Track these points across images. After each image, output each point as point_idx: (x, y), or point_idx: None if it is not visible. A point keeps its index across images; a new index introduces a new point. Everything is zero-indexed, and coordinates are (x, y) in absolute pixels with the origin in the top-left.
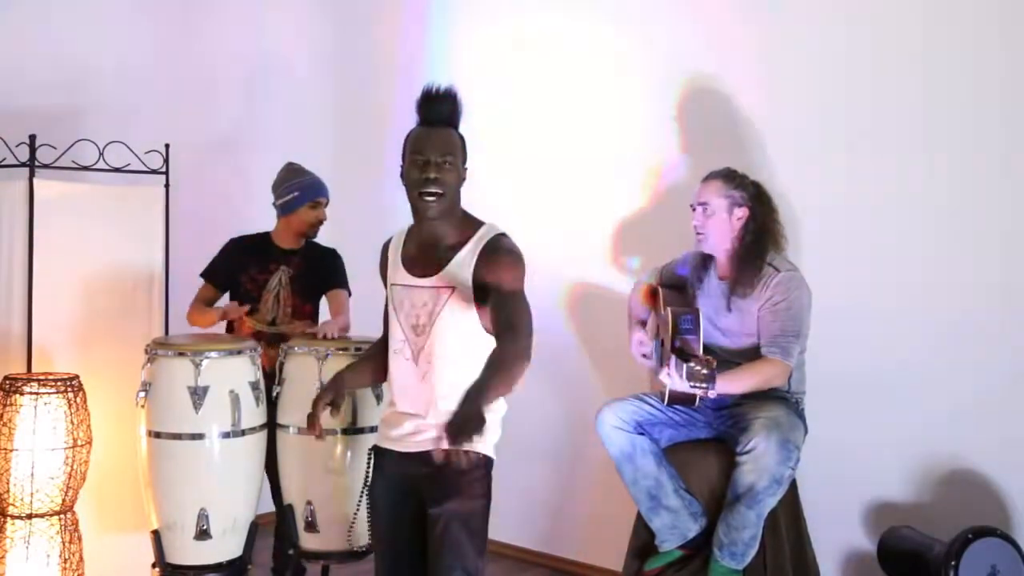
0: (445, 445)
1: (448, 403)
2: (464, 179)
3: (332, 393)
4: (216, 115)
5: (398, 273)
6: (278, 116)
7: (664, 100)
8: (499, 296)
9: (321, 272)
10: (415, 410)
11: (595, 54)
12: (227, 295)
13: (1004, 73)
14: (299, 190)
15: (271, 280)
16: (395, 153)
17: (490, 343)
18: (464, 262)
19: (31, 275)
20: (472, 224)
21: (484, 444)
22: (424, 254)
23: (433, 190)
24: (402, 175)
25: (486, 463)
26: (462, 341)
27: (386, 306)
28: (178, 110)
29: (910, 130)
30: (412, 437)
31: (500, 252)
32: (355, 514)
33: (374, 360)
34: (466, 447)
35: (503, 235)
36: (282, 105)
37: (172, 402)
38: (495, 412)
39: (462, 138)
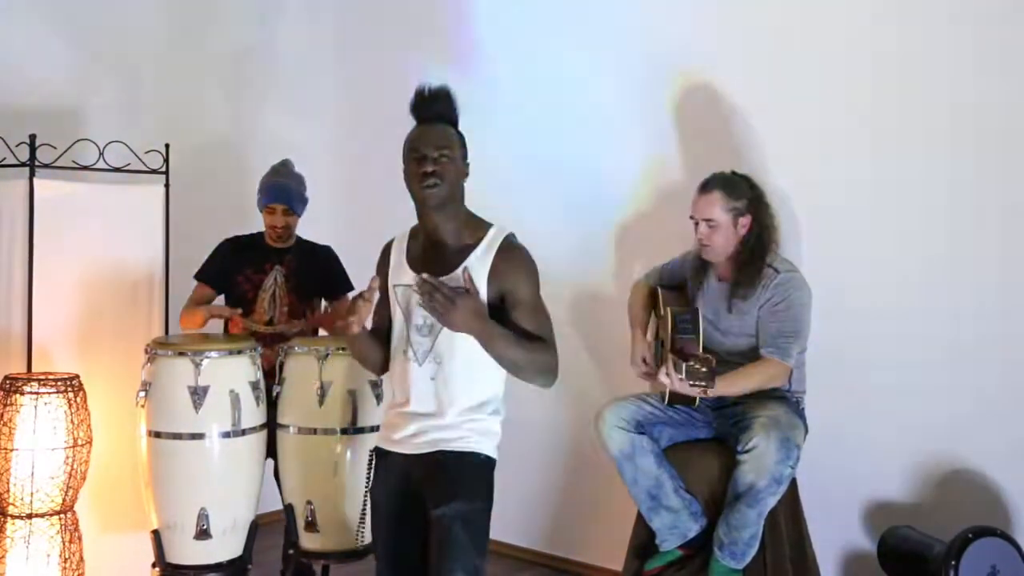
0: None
1: (465, 402)
2: (466, 175)
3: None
4: (216, 115)
5: (402, 274)
6: (278, 115)
7: (664, 99)
8: (524, 304)
9: (317, 271)
10: (424, 410)
11: (594, 53)
12: (221, 297)
13: (1004, 72)
14: (260, 192)
15: (266, 280)
16: (397, 152)
17: None
18: (479, 262)
19: (31, 275)
20: (480, 225)
21: (487, 445)
22: (432, 255)
23: (431, 181)
24: (404, 175)
25: (489, 464)
26: (472, 341)
27: (381, 303)
28: (178, 110)
29: (910, 129)
30: (415, 439)
31: (518, 255)
32: (362, 515)
33: (377, 349)
34: (472, 448)
35: (513, 235)
36: (282, 104)
37: (172, 402)
38: (497, 415)
39: (460, 135)
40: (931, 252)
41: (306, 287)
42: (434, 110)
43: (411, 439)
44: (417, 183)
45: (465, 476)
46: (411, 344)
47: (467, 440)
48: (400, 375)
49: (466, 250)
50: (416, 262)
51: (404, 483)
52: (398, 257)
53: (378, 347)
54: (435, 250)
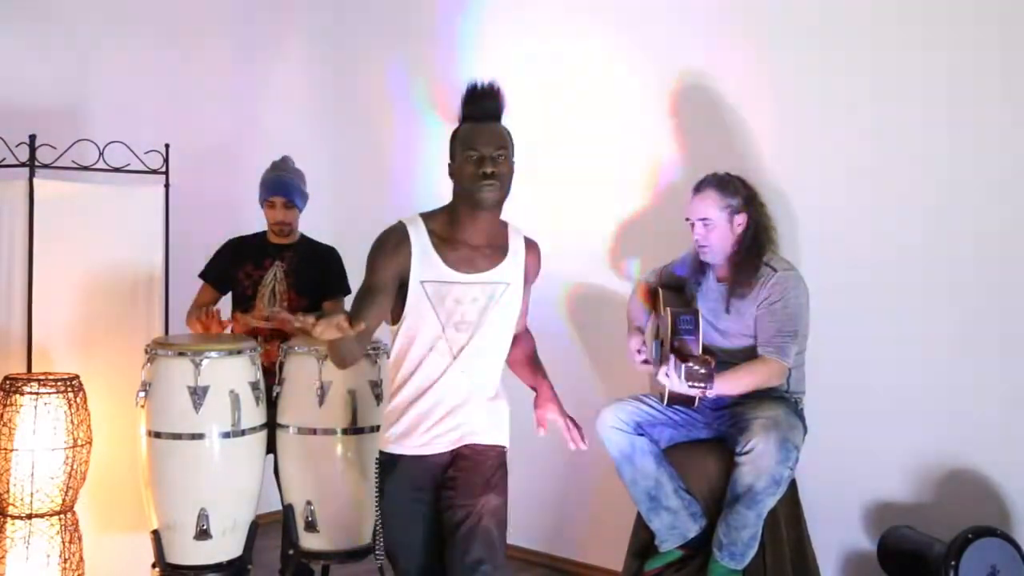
0: (551, 415)
1: (486, 392)
2: (514, 171)
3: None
4: (216, 115)
5: (433, 269)
6: (278, 116)
7: (662, 99)
8: (527, 289)
9: (317, 271)
10: (452, 404)
11: (593, 54)
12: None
13: (1004, 72)
14: (260, 188)
15: (266, 275)
16: (395, 153)
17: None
18: (517, 257)
19: (31, 275)
20: (502, 221)
21: (504, 436)
22: (470, 251)
23: (491, 183)
24: (451, 172)
25: (506, 454)
26: (504, 333)
27: (372, 297)
28: (178, 110)
29: (910, 129)
30: (441, 439)
31: (538, 252)
32: (376, 523)
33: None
34: (495, 440)
35: None
36: (282, 105)
37: (172, 402)
38: (506, 405)
39: (509, 131)
40: (931, 252)
41: (305, 284)
42: (488, 108)
43: (437, 440)
44: (475, 183)
45: (493, 470)
46: (448, 340)
47: (491, 433)
48: (431, 372)
49: (498, 249)
50: (449, 258)
51: (426, 480)
52: (423, 250)
53: (362, 346)
54: (472, 247)
